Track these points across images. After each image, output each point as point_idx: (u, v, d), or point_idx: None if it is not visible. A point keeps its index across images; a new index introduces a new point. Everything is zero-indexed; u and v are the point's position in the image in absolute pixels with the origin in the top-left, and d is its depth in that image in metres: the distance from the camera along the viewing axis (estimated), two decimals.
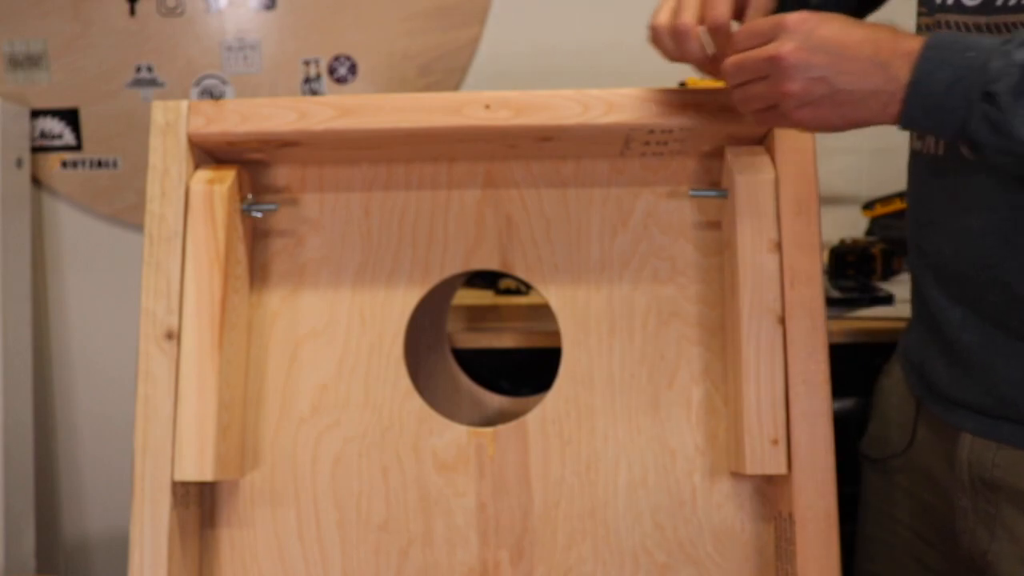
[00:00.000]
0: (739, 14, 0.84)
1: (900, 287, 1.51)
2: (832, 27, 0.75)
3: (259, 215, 1.00)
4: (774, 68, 0.76)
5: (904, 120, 0.75)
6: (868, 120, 0.77)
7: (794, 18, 0.75)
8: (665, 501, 0.97)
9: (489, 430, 0.99)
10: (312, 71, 1.90)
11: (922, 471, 0.98)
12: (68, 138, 1.94)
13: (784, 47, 0.75)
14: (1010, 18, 0.81)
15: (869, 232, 1.79)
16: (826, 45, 0.74)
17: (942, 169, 0.91)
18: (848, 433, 1.07)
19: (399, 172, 1.02)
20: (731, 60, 0.80)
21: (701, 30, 0.82)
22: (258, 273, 1.02)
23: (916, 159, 0.97)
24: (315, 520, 0.98)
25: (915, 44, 0.74)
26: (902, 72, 0.74)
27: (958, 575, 0.95)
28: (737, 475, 0.96)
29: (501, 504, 0.98)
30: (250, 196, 0.99)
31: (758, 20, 0.79)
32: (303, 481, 0.99)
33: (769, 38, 0.77)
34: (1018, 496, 0.87)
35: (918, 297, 0.97)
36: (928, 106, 0.73)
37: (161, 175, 0.94)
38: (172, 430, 0.91)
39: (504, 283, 1.59)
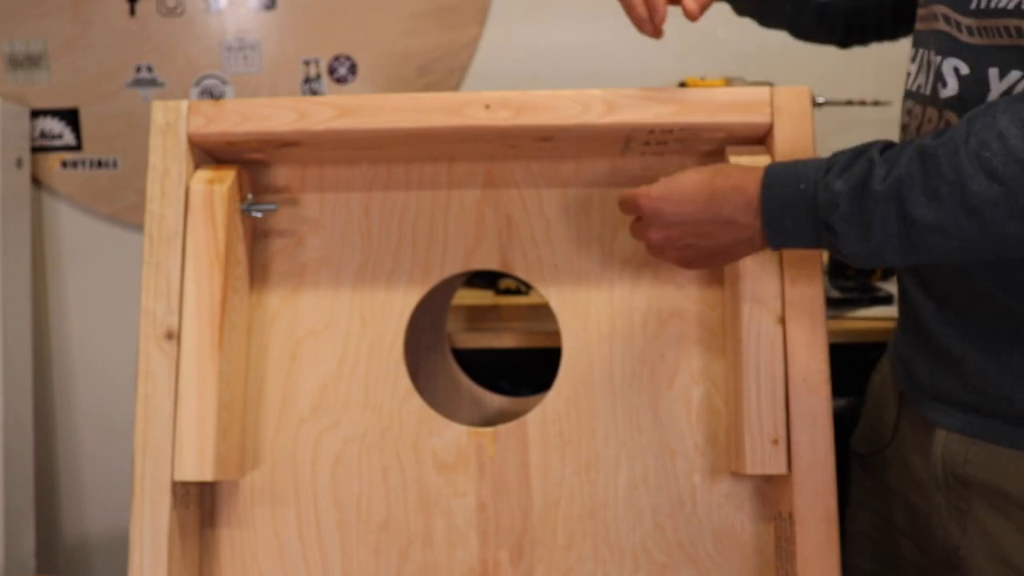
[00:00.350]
0: None
1: None
2: (675, 196, 0.84)
3: (259, 215, 1.00)
4: (651, 247, 0.88)
5: (774, 248, 0.83)
6: (746, 254, 0.87)
7: (646, 206, 0.85)
8: (665, 501, 0.97)
9: (489, 430, 0.99)
10: (312, 71, 1.90)
11: (903, 467, 0.98)
12: (68, 138, 1.94)
13: (647, 232, 0.87)
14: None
15: None
16: (675, 219, 0.85)
17: None
18: (846, 433, 1.07)
19: (399, 172, 1.02)
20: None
21: None
22: (258, 273, 1.02)
23: None
24: (315, 520, 0.98)
25: (751, 187, 0.82)
26: (749, 218, 0.82)
27: (936, 571, 0.95)
28: (737, 475, 0.96)
29: (501, 504, 0.98)
30: (250, 196, 0.99)
31: (626, 194, 0.88)
32: (303, 481, 0.99)
33: (638, 216, 0.88)
34: (989, 492, 0.87)
35: (901, 291, 0.99)
36: (786, 236, 0.81)
37: (161, 175, 0.94)
38: (172, 430, 0.91)
39: (504, 283, 1.59)
